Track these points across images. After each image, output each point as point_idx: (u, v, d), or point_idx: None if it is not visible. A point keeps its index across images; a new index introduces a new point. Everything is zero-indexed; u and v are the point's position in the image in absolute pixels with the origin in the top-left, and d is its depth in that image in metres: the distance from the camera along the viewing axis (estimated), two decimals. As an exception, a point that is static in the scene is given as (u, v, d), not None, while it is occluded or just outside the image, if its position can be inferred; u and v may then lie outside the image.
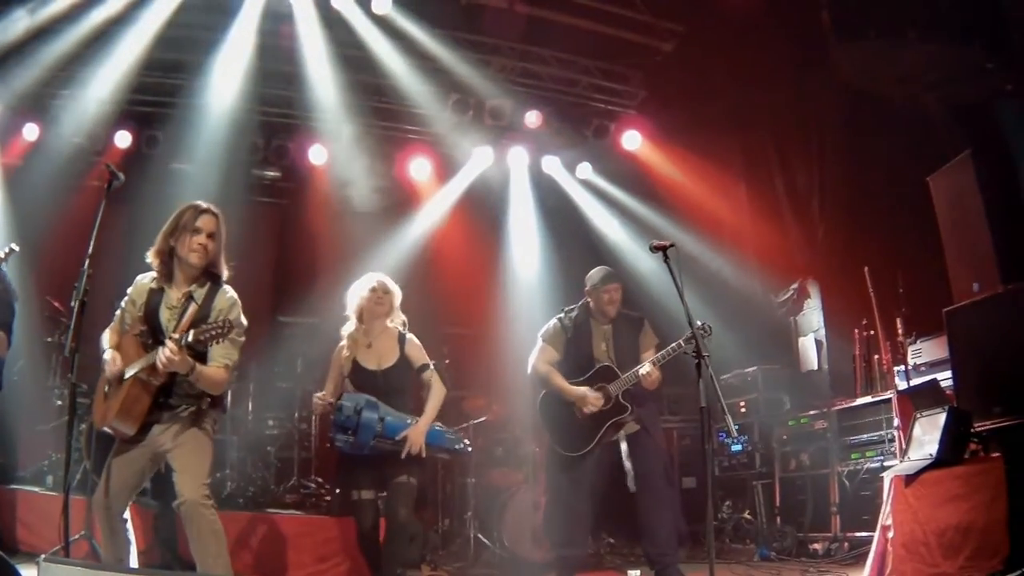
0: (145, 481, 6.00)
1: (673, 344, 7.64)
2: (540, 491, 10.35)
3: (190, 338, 5.48)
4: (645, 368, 7.69)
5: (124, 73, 11.07)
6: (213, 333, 5.48)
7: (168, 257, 5.94)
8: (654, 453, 8.04)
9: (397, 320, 7.63)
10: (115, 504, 5.78)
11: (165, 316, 5.88)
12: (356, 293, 7.57)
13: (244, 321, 5.93)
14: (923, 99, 9.29)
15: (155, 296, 5.94)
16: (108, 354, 5.82)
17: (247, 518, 8.80)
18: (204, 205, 6.00)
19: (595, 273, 8.33)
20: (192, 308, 5.85)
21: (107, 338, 5.99)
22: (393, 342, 7.51)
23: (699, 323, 7.26)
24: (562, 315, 8.41)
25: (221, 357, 5.80)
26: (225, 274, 6.09)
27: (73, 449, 6.16)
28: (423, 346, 7.62)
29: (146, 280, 6.04)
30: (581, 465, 8.00)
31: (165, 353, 5.41)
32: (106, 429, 5.82)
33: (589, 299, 8.32)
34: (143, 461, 5.83)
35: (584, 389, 7.94)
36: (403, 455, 7.00)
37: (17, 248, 7.02)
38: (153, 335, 5.84)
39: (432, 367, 7.57)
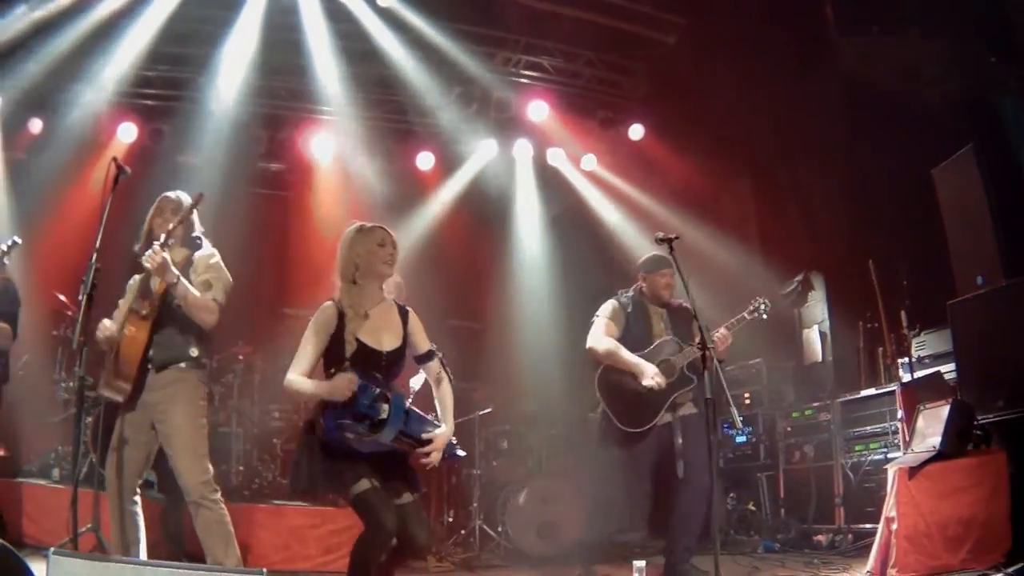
0: (152, 455, 6.13)
1: (743, 313, 7.94)
2: (547, 483, 10.39)
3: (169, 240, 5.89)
4: (721, 332, 7.77)
5: (129, 66, 11.10)
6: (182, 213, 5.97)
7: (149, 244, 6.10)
8: (705, 439, 8.04)
9: (391, 285, 6.06)
10: (126, 481, 5.88)
11: (156, 284, 6.06)
12: (353, 246, 5.98)
13: (225, 271, 6.30)
14: (926, 93, 9.30)
15: (144, 278, 6.16)
16: (101, 324, 6.01)
17: (253, 510, 8.86)
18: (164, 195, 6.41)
19: (649, 258, 8.19)
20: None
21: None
22: (395, 315, 6.00)
23: (760, 299, 7.79)
24: (619, 295, 8.38)
25: (214, 292, 6.11)
26: (198, 229, 6.44)
27: (80, 442, 6.20)
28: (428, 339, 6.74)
29: (137, 278, 6.30)
30: (641, 442, 7.92)
31: (148, 253, 5.76)
32: (106, 394, 5.92)
33: (643, 284, 8.27)
34: (146, 432, 6.01)
35: (648, 364, 7.83)
36: (427, 464, 5.77)
37: (20, 241, 7.06)
38: (147, 299, 6.08)
39: (439, 357, 6.12)
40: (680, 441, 7.84)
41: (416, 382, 5.94)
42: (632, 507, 8.13)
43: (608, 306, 8.31)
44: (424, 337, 6.10)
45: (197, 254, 6.22)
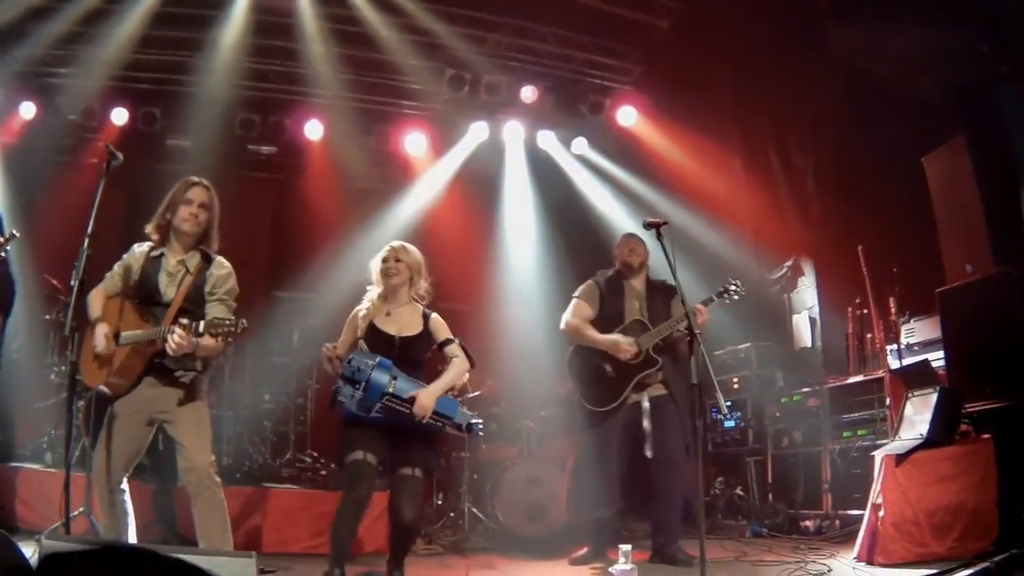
0: (143, 449, 6.08)
1: (715, 292, 8.02)
2: (535, 465, 10.41)
3: (201, 328, 5.61)
4: (697, 306, 7.82)
5: (121, 50, 11.08)
6: (226, 330, 5.62)
7: (166, 230, 6.13)
8: (677, 421, 8.15)
9: (421, 288, 7.16)
10: (113, 474, 5.87)
11: (164, 281, 6.05)
12: (374, 261, 7.12)
13: (237, 289, 6.24)
14: (918, 80, 9.30)
15: (153, 262, 6.12)
16: (101, 328, 5.92)
17: (244, 493, 8.84)
18: (195, 179, 6.22)
19: (621, 236, 8.83)
20: (188, 278, 6.03)
21: (95, 301, 6.10)
22: (417, 316, 7.05)
23: (732, 280, 7.94)
24: (596, 275, 8.66)
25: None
26: (215, 246, 6.26)
27: (72, 426, 6.20)
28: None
29: (144, 248, 6.21)
30: (609, 422, 8.14)
31: (175, 341, 5.58)
32: (101, 387, 5.91)
33: (616, 259, 8.61)
34: (139, 426, 5.96)
35: (617, 336, 8.11)
36: (415, 417, 6.45)
37: (17, 234, 7.04)
38: (153, 302, 6.01)
39: (458, 342, 7.09)
40: (648, 422, 8.04)
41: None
42: (604, 485, 8.23)
43: (583, 286, 8.63)
44: (445, 329, 7.08)
45: (213, 270, 6.14)
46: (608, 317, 8.37)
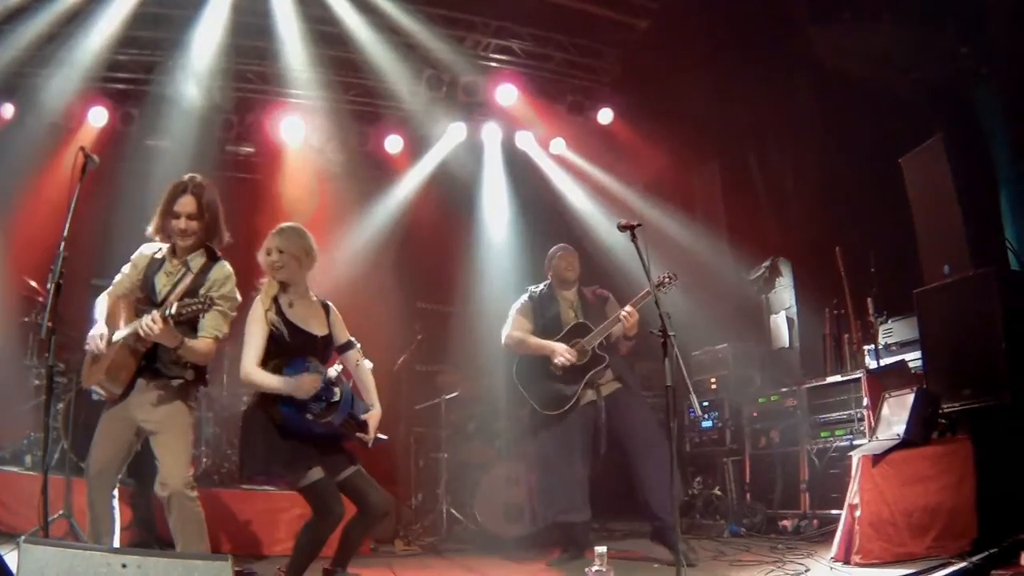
0: (131, 455, 6.05)
1: (646, 289, 7.72)
2: (514, 466, 10.42)
3: (172, 310, 5.53)
4: (626, 309, 7.97)
5: (99, 51, 11.01)
6: (195, 308, 5.54)
7: (166, 233, 6.08)
8: (641, 406, 8.31)
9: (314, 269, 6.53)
10: (104, 479, 5.87)
11: (161, 282, 6.01)
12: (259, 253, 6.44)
13: (237, 296, 6.13)
14: (896, 81, 9.35)
15: (155, 264, 6.08)
16: (96, 328, 5.87)
17: (222, 495, 8.86)
18: (183, 183, 6.05)
19: (553, 248, 8.94)
20: (188, 277, 5.99)
21: (102, 303, 6.06)
22: (317, 309, 6.51)
23: (665, 274, 7.84)
24: (530, 290, 8.86)
25: (211, 328, 5.91)
26: (223, 241, 6.20)
27: (51, 429, 6.17)
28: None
29: (151, 249, 6.17)
30: (565, 424, 8.25)
31: (145, 322, 5.49)
32: (95, 389, 5.88)
33: (549, 273, 8.80)
34: (129, 435, 5.94)
35: (555, 343, 8.30)
36: (371, 444, 6.32)
37: None
38: (148, 301, 5.97)
39: (359, 346, 6.64)
40: (605, 418, 8.18)
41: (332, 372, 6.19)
42: (570, 488, 8.27)
43: (518, 302, 8.83)
44: (344, 329, 6.63)
45: (215, 272, 6.05)
46: (545, 326, 8.56)
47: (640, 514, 8.39)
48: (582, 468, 8.34)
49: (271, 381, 5.99)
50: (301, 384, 5.90)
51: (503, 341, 8.72)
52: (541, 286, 8.85)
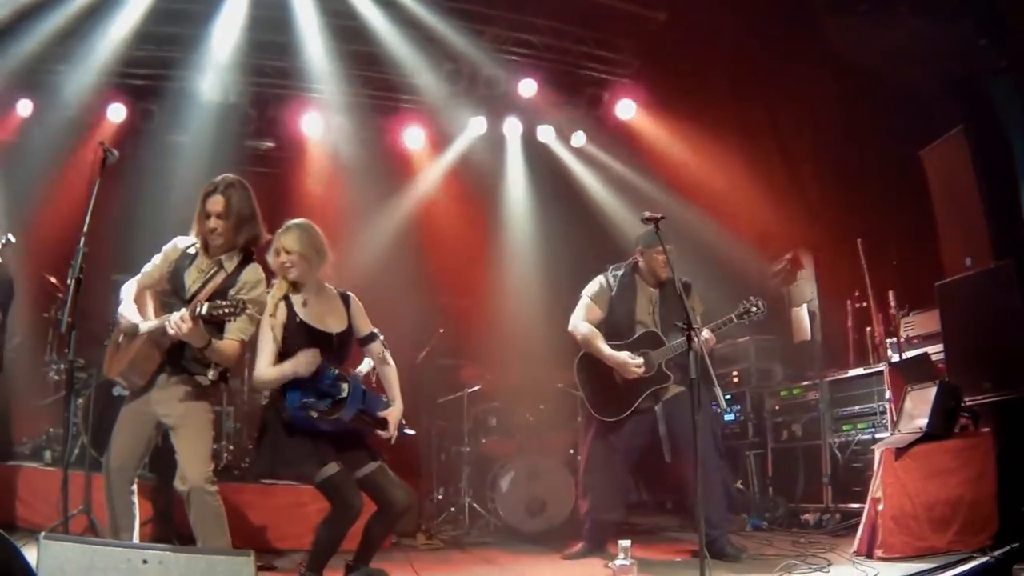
0: (150, 449, 6.07)
1: (729, 315, 7.82)
2: (535, 460, 10.41)
3: (203, 310, 5.52)
4: (705, 334, 7.58)
5: (118, 46, 11.00)
6: (226, 311, 5.52)
7: (202, 234, 6.05)
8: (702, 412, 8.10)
9: (328, 267, 6.42)
10: (124, 473, 5.87)
11: (191, 278, 6.00)
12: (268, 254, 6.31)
13: (267, 299, 6.10)
14: (916, 74, 9.29)
15: (186, 258, 6.08)
16: (124, 307, 5.92)
17: (244, 490, 8.85)
18: (215, 184, 6.04)
19: (648, 232, 7.45)
20: (220, 276, 5.98)
21: (129, 288, 6.07)
22: (336, 302, 6.46)
23: (753, 300, 7.71)
24: (608, 272, 8.37)
25: (237, 331, 5.89)
26: (261, 239, 6.18)
27: (71, 424, 6.19)
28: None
29: (185, 243, 6.15)
30: (618, 430, 8.07)
31: (175, 319, 5.49)
32: (118, 382, 5.89)
33: (639, 259, 8.25)
34: (148, 429, 5.95)
35: (625, 355, 7.89)
36: (392, 440, 6.27)
37: (14, 239, 7.02)
38: (176, 295, 5.98)
39: (381, 339, 6.53)
40: (664, 427, 7.95)
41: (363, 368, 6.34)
42: (614, 490, 8.21)
43: (593, 285, 8.36)
44: (367, 321, 6.53)
45: (247, 274, 6.03)
46: (617, 320, 8.18)
47: (689, 518, 8.30)
48: (623, 470, 8.30)
49: (272, 372, 6.00)
50: (299, 362, 5.92)
51: (570, 327, 8.28)
52: (623, 268, 8.33)
